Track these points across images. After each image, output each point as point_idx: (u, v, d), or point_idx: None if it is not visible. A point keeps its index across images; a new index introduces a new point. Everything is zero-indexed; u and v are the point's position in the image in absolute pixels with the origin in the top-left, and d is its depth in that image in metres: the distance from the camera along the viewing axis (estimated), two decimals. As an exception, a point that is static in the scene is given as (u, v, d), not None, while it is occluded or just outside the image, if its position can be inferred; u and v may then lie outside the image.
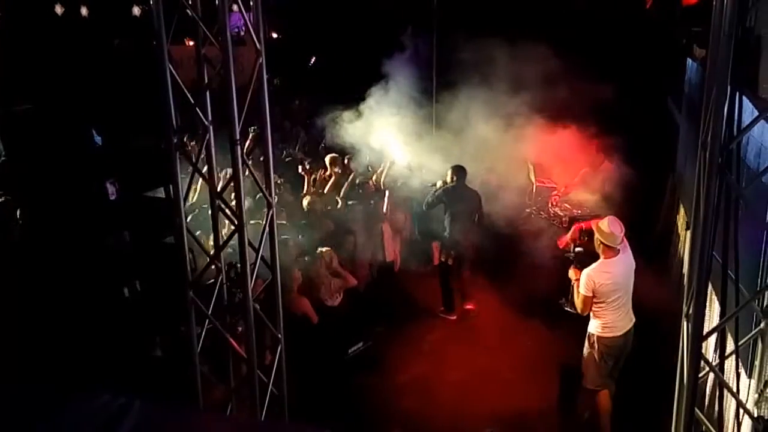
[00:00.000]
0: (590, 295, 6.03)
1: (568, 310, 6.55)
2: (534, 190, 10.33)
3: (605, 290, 5.99)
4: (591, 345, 6.22)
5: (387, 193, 9.28)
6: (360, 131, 9.98)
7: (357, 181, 9.67)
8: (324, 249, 7.76)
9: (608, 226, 6.02)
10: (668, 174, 10.34)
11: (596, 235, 6.11)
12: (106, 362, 5.46)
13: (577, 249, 6.69)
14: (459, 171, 8.93)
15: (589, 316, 6.25)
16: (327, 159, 10.13)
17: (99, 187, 5.47)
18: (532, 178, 10.39)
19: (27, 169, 5.31)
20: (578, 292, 6.17)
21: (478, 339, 8.18)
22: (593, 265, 6.13)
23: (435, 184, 9.31)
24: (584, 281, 6.07)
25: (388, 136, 10.15)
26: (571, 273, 6.47)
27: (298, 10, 12.15)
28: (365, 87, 10.07)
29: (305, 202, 8.94)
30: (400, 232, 9.65)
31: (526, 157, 10.34)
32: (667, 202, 10.17)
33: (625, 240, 6.12)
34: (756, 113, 3.76)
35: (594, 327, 6.19)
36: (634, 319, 6.24)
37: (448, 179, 8.98)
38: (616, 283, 6.03)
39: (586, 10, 10.60)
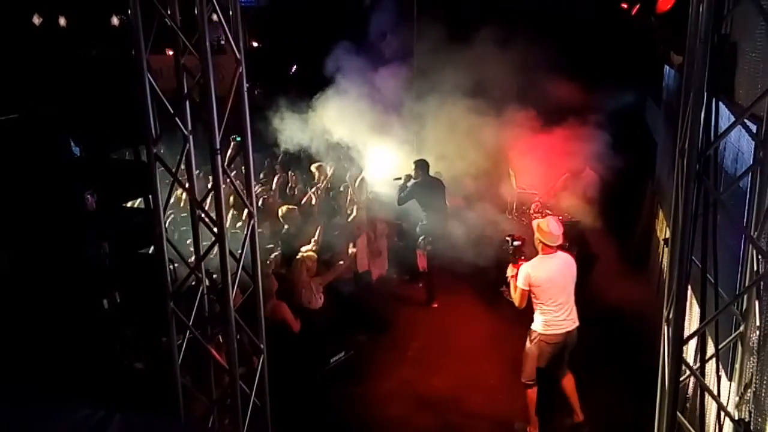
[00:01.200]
0: (526, 288, 6.27)
1: (509, 299, 6.76)
2: (515, 197, 10.39)
3: (540, 284, 6.22)
4: (531, 341, 6.43)
5: (356, 206, 9.42)
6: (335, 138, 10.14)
7: (331, 194, 9.75)
8: (305, 253, 7.73)
9: (548, 226, 6.28)
10: (648, 180, 10.43)
11: (536, 234, 6.35)
12: (86, 375, 5.39)
13: (515, 243, 6.84)
14: (422, 164, 9.49)
15: None
16: (313, 167, 10.18)
17: (77, 198, 5.41)
18: (514, 185, 10.45)
19: (2, 180, 5.23)
20: (515, 285, 6.42)
21: (462, 345, 8.17)
22: (531, 261, 6.39)
23: (400, 178, 9.67)
24: (521, 275, 6.33)
25: (365, 146, 10.25)
26: (509, 269, 6.68)
27: (278, 18, 12.14)
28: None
29: (281, 211, 8.93)
30: (380, 242, 9.66)
31: (508, 164, 10.42)
32: (646, 208, 10.25)
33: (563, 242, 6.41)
34: (732, 119, 3.80)
35: (536, 325, 6.40)
36: (577, 323, 6.38)
37: (413, 174, 9.46)
38: (551, 279, 6.24)
39: (569, 16, 10.65)
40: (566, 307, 6.28)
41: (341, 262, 8.24)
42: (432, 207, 9.45)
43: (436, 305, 9.42)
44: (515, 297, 6.43)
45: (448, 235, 9.23)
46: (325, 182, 10.01)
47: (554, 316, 6.28)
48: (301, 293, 7.56)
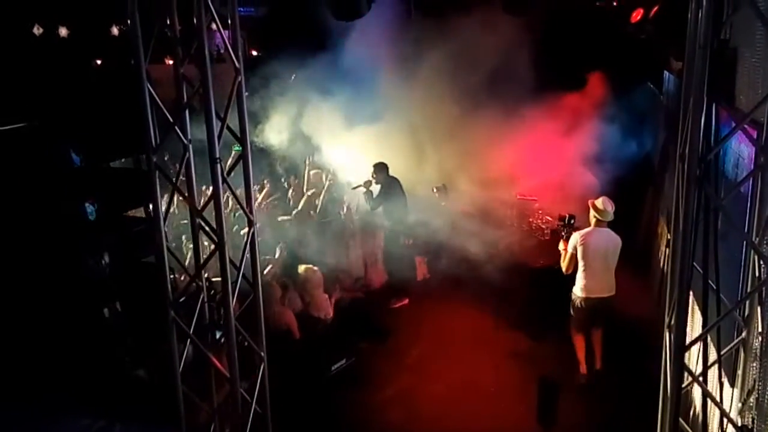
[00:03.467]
0: (574, 252, 7.24)
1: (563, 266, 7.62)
2: (515, 203, 10.38)
3: (586, 249, 7.17)
4: (572, 300, 7.45)
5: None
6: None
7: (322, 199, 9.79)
8: (308, 269, 7.80)
9: (602, 204, 7.22)
10: (648, 185, 10.43)
11: (591, 211, 7.26)
12: (87, 383, 5.38)
13: (571, 221, 7.79)
14: (382, 167, 9.77)
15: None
16: (312, 173, 10.17)
17: (77, 208, 5.41)
18: (514, 191, 10.44)
19: (3, 189, 5.23)
20: (565, 255, 7.42)
21: (462, 353, 8.14)
22: (582, 230, 7.34)
23: (360, 185, 9.72)
24: (571, 240, 7.32)
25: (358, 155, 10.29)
26: (561, 245, 7.64)
27: (278, 27, 12.15)
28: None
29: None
30: (377, 250, 9.72)
31: (507, 170, 10.42)
32: (647, 214, 10.24)
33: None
34: (733, 124, 3.80)
35: (575, 288, 7.39)
36: (613, 292, 7.28)
37: (374, 178, 9.67)
38: (597, 247, 7.17)
39: (570, 21, 10.65)
40: (605, 276, 7.20)
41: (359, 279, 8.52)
42: (396, 206, 9.74)
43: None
44: (563, 263, 7.44)
45: (448, 243, 9.26)
46: (323, 189, 10.01)
47: (593, 281, 7.20)
48: (317, 304, 7.73)
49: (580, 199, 9.57)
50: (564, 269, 7.47)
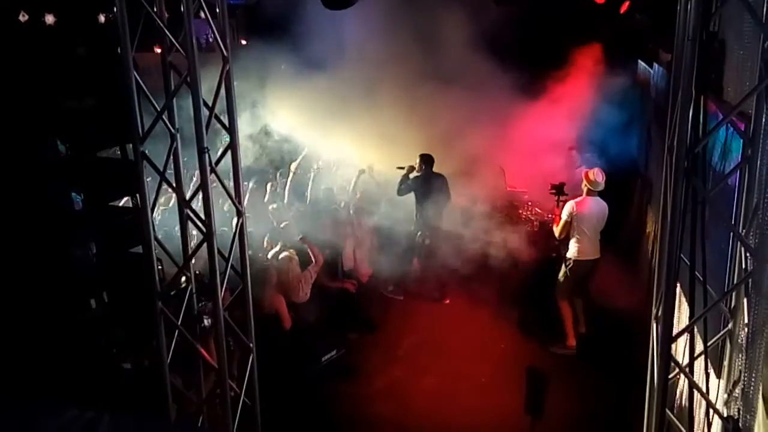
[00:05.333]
0: (569, 219, 7.85)
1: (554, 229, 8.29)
2: (505, 194, 10.37)
3: (580, 216, 7.82)
4: (566, 266, 8.03)
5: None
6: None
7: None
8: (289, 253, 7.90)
9: (594, 175, 7.86)
10: (636, 177, 10.45)
11: (584, 181, 7.91)
12: (73, 375, 5.35)
13: (562, 188, 8.82)
14: (427, 159, 9.55)
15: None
16: (292, 166, 10.13)
17: (64, 198, 5.36)
18: (504, 183, 10.44)
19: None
20: (558, 221, 8.08)
21: (453, 344, 8.16)
22: (576, 199, 7.99)
23: (403, 168, 9.68)
24: (566, 208, 7.95)
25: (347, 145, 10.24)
26: (555, 212, 8.55)
27: (268, 16, 12.05)
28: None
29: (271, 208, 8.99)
30: (364, 242, 9.72)
31: (498, 162, 10.40)
32: (635, 205, 10.28)
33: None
34: (721, 117, 3.81)
35: (570, 252, 7.98)
36: (599, 255, 8.01)
37: (416, 167, 9.55)
38: (590, 214, 7.86)
39: (561, 16, 10.62)
40: (594, 240, 7.91)
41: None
42: (430, 202, 9.45)
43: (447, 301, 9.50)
44: (557, 229, 8.06)
45: (442, 233, 9.26)
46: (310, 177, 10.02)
47: (585, 245, 7.86)
48: (297, 288, 7.83)
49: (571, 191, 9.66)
50: (557, 234, 8.12)
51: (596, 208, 7.92)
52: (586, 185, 7.92)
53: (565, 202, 8.28)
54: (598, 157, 9.92)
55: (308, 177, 9.98)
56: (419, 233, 9.57)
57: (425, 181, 9.51)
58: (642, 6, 7.44)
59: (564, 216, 7.94)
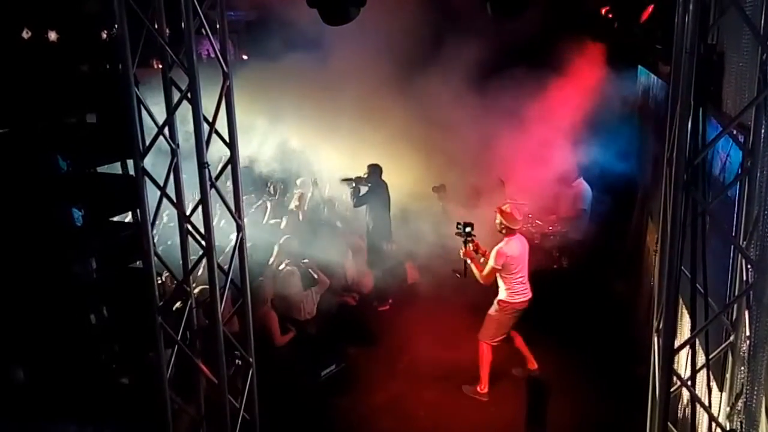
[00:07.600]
0: (499, 267, 7.20)
1: (459, 276, 7.83)
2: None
3: (511, 262, 7.20)
4: (501, 310, 7.39)
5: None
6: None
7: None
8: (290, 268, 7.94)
9: (511, 211, 7.25)
10: (637, 190, 10.44)
11: (499, 218, 7.26)
12: (72, 390, 5.34)
13: (467, 228, 7.55)
14: (376, 169, 9.82)
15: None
16: (298, 182, 10.18)
17: (64, 213, 5.37)
18: (504, 194, 10.42)
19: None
20: (479, 268, 7.41)
21: (452, 359, 8.11)
22: (501, 243, 7.28)
23: (351, 179, 9.83)
24: (495, 256, 7.21)
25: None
26: (461, 252, 7.54)
27: (268, 30, 12.12)
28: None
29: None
30: (358, 251, 9.76)
31: (499, 174, 10.42)
32: (636, 218, 10.26)
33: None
34: (720, 129, 3.81)
35: (506, 296, 7.35)
36: (530, 295, 7.42)
37: (366, 177, 9.74)
38: (519, 256, 7.30)
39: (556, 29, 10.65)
40: (526, 279, 7.41)
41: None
42: (385, 210, 9.84)
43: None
44: (484, 275, 7.34)
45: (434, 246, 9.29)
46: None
47: (520, 287, 7.33)
48: (299, 307, 7.85)
49: (571, 204, 9.62)
50: (484, 281, 7.41)
51: (522, 246, 7.39)
52: (503, 223, 7.21)
53: (474, 243, 7.54)
54: (598, 169, 9.93)
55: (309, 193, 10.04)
56: (385, 242, 9.78)
57: (378, 190, 9.78)
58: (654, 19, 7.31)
59: (492, 263, 7.21)
